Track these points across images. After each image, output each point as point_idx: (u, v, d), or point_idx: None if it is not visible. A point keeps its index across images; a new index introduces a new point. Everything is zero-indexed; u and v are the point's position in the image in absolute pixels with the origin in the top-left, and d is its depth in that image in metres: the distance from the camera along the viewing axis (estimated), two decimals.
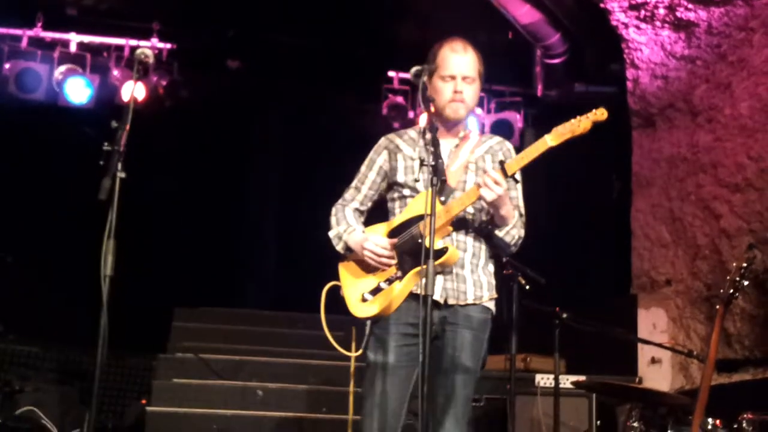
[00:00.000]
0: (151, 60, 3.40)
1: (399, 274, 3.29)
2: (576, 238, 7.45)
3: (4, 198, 7.43)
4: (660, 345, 5.63)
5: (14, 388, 5.99)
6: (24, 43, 7.23)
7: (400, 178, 3.41)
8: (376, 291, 3.33)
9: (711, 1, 5.98)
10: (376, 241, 3.32)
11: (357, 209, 3.53)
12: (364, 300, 3.34)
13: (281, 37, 7.92)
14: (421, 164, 3.09)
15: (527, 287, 4.52)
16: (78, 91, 7.22)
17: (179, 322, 7.05)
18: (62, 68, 7.24)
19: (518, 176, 3.34)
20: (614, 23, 6.42)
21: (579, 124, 3.20)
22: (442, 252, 3.19)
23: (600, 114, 3.23)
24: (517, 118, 7.78)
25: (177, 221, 8.28)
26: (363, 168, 3.54)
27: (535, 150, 3.18)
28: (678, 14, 6.14)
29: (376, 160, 3.50)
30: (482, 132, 7.76)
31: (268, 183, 9.18)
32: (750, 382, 5.65)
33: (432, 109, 3.29)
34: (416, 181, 3.35)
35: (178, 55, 7.58)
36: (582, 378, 5.18)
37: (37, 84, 7.14)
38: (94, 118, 7.15)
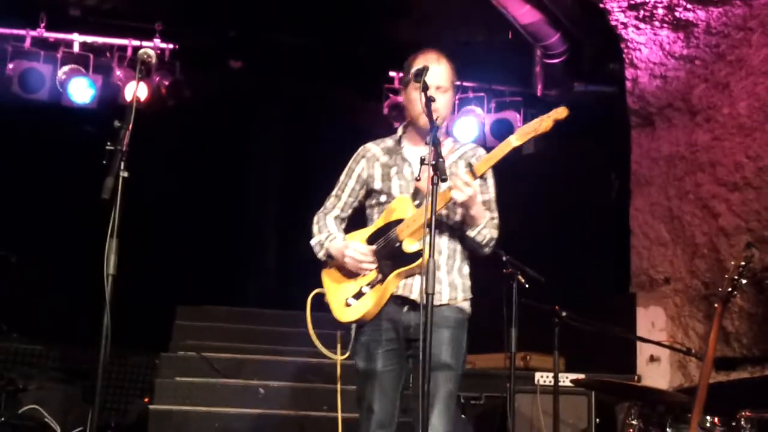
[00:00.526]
0: (153, 60, 3.44)
1: (380, 277, 3.42)
2: (575, 236, 7.46)
3: (7, 197, 7.47)
4: (659, 343, 5.65)
5: (17, 386, 6.01)
6: (27, 43, 7.25)
7: (377, 185, 3.54)
8: (359, 295, 3.45)
9: (710, 1, 5.99)
10: (355, 247, 3.45)
11: (338, 217, 3.66)
12: (347, 305, 3.47)
13: (283, 36, 7.94)
14: (422, 163, 3.15)
15: (527, 286, 4.56)
16: (81, 91, 7.24)
17: (181, 320, 7.08)
18: (65, 68, 7.26)
19: (490, 179, 3.50)
20: (613, 23, 6.43)
21: (541, 123, 3.31)
22: (418, 254, 3.30)
23: (560, 112, 3.31)
24: (517, 118, 7.79)
25: (179, 220, 8.31)
26: (342, 177, 3.67)
27: (500, 151, 3.30)
28: (677, 14, 6.15)
29: (355, 169, 3.63)
30: (482, 131, 7.85)
31: (270, 182, 9.21)
32: (748, 380, 5.67)
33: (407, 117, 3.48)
34: (418, 180, 3.41)
35: (180, 55, 7.59)
36: (581, 376, 5.21)
37: (40, 84, 7.15)
38: (96, 118, 7.18)
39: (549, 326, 4.74)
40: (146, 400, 6.35)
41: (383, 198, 3.54)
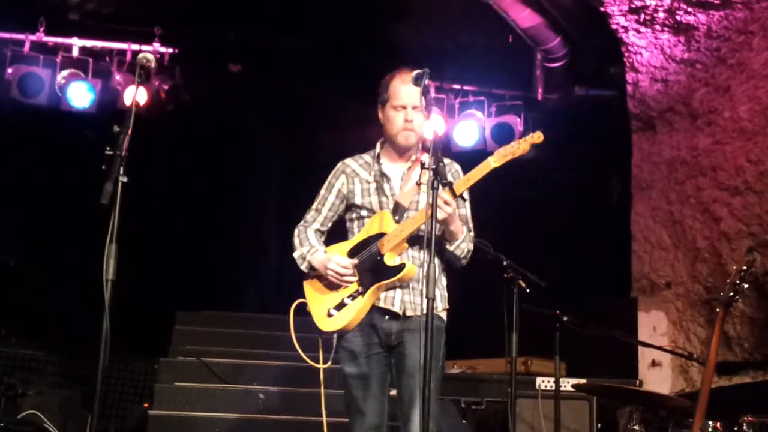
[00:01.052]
0: (152, 64, 3.46)
1: (361, 290, 3.56)
2: (576, 241, 7.46)
3: (6, 202, 7.45)
4: (660, 348, 5.65)
5: (17, 391, 6.01)
6: (26, 47, 7.23)
7: (358, 200, 3.69)
8: (340, 306, 3.60)
9: (710, 4, 5.99)
10: (337, 260, 3.60)
11: (318, 230, 3.81)
12: (329, 315, 3.62)
13: (282, 40, 7.93)
14: (422, 166, 3.23)
15: (527, 290, 4.55)
16: (80, 95, 7.22)
17: (181, 325, 7.06)
18: (64, 73, 7.24)
19: (466, 195, 3.64)
20: (614, 27, 6.43)
21: (519, 147, 3.46)
22: (400, 268, 3.50)
23: (537, 137, 3.47)
24: (517, 122, 7.78)
25: (178, 224, 8.29)
26: (323, 191, 3.81)
27: (479, 172, 3.46)
28: (678, 18, 6.15)
29: (335, 184, 3.77)
30: (482, 135, 7.84)
31: (269, 186, 9.20)
32: (750, 385, 5.66)
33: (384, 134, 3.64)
34: (419, 184, 3.45)
35: (179, 59, 7.58)
36: (582, 381, 5.20)
37: (39, 88, 7.13)
38: (96, 123, 7.16)
39: (550, 331, 4.74)
40: (146, 405, 6.34)
41: (364, 213, 3.68)
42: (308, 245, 3.74)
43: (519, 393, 4.88)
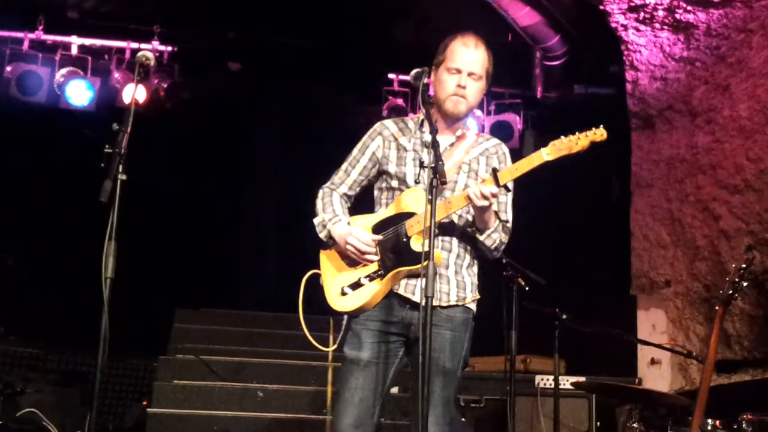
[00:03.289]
0: (152, 62, 3.42)
1: (381, 271, 3.25)
2: (576, 239, 7.47)
3: (5, 200, 7.46)
4: (659, 346, 5.65)
5: (15, 389, 6.01)
6: (25, 46, 7.25)
7: (392, 168, 3.35)
8: (356, 286, 3.29)
9: (710, 3, 5.99)
10: (359, 236, 3.26)
11: (345, 194, 3.46)
12: (343, 293, 3.30)
13: (282, 39, 7.93)
14: (421, 166, 3.00)
15: (527, 288, 4.54)
16: (79, 93, 7.24)
17: (180, 323, 7.07)
18: (63, 71, 7.26)
19: (510, 185, 3.30)
20: (613, 25, 6.44)
21: (578, 142, 3.15)
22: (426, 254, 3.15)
23: (600, 135, 3.18)
24: (516, 120, 7.79)
25: (177, 223, 8.30)
26: (355, 152, 3.47)
27: (529, 163, 3.15)
28: (677, 16, 6.15)
29: (370, 145, 3.43)
30: (481, 128, 7.84)
31: (268, 184, 9.20)
32: (749, 383, 5.67)
33: (431, 104, 3.27)
34: (417, 181, 3.30)
35: (178, 58, 7.60)
36: (582, 379, 5.20)
37: (38, 87, 7.16)
38: (95, 121, 7.17)
39: (549, 329, 4.73)
40: (144, 403, 6.34)
41: (395, 183, 3.34)
42: (331, 212, 3.37)
43: (518, 391, 4.87)
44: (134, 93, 3.36)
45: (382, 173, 3.40)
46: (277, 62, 8.01)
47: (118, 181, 3.05)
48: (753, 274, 4.99)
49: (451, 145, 3.36)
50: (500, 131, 7.54)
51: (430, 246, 2.91)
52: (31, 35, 7.27)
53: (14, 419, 5.87)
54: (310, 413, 5.66)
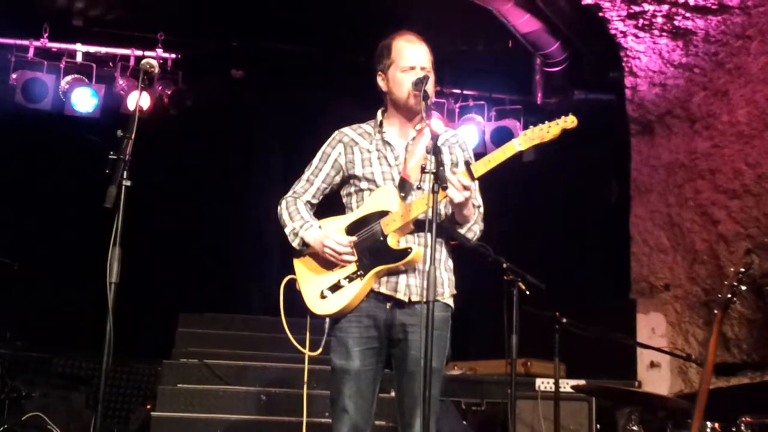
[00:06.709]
0: (156, 69, 3.46)
1: (360, 272, 3.26)
2: (575, 243, 7.49)
3: (10, 205, 7.50)
4: (659, 349, 5.68)
5: (21, 393, 6.04)
6: (30, 53, 7.28)
7: (358, 171, 3.38)
8: (335, 288, 3.29)
9: (708, 9, 6.02)
10: (336, 238, 3.28)
11: (309, 202, 3.49)
12: (323, 296, 3.30)
13: (284, 46, 7.96)
14: (422, 171, 3.00)
15: (527, 292, 4.57)
16: (84, 100, 7.27)
17: (184, 327, 7.10)
18: (68, 78, 7.30)
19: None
20: (613, 32, 6.46)
21: (549, 130, 3.17)
22: (405, 253, 3.20)
23: (570, 122, 3.18)
24: (517, 126, 7.81)
25: (181, 228, 8.33)
26: (316, 161, 3.51)
27: (502, 153, 3.17)
28: (676, 23, 6.18)
29: (331, 154, 3.48)
30: (482, 139, 7.87)
31: (272, 190, 9.23)
32: (748, 386, 5.69)
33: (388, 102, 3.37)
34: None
35: (182, 65, 7.63)
36: (582, 382, 5.22)
37: (43, 94, 7.18)
38: (99, 128, 7.21)
39: (550, 333, 4.76)
40: (149, 407, 6.37)
41: (364, 185, 3.38)
42: (300, 219, 3.39)
43: (519, 394, 4.89)
44: (138, 100, 3.43)
45: (349, 178, 3.44)
46: (279, 69, 8.05)
47: (123, 187, 3.09)
48: (751, 277, 5.03)
49: (413, 139, 3.41)
50: (500, 137, 7.55)
51: (432, 249, 2.91)
52: (37, 43, 7.30)
53: (20, 423, 5.90)
54: (312, 417, 5.68)
